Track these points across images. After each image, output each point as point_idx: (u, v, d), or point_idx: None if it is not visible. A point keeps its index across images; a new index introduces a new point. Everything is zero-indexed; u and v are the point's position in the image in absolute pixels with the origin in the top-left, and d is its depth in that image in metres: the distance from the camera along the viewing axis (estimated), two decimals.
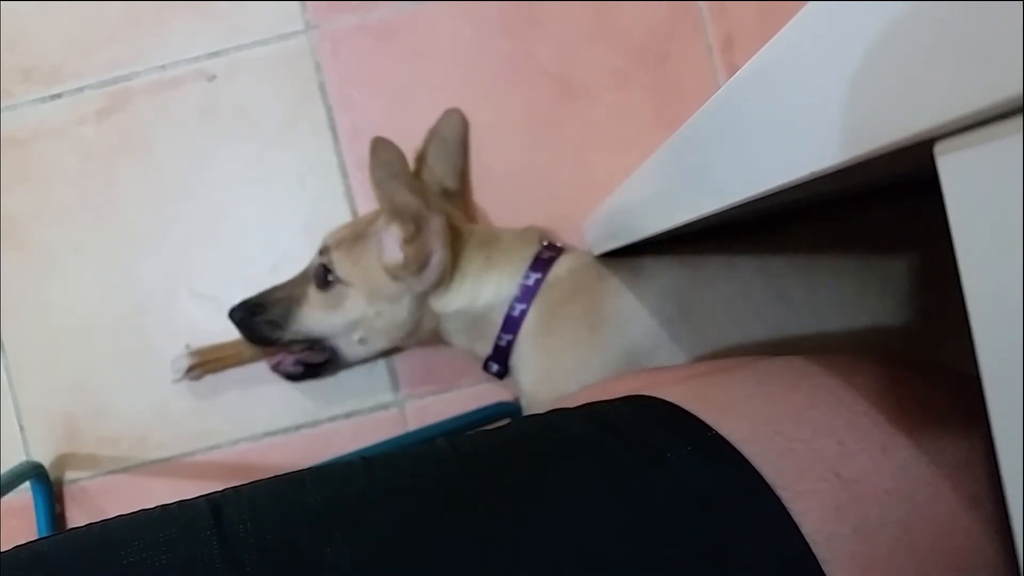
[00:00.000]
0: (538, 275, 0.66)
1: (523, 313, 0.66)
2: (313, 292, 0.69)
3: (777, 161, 0.26)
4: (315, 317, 0.69)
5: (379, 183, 0.64)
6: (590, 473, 0.33)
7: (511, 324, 0.66)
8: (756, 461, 0.32)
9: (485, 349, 0.69)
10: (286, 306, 0.70)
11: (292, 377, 0.74)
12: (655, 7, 0.81)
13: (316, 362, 0.73)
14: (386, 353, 0.79)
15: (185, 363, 0.76)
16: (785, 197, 0.31)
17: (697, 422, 0.34)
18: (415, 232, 0.64)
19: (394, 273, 0.66)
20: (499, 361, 0.69)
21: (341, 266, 0.68)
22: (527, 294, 0.66)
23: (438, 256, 0.64)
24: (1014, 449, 0.19)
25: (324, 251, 0.69)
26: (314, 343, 0.71)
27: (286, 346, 0.72)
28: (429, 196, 0.68)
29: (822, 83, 0.22)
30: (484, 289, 0.67)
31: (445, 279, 0.67)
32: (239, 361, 0.78)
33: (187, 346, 0.77)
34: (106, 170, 0.80)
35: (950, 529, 0.31)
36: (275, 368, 0.74)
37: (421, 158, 0.76)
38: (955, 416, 0.34)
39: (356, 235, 0.69)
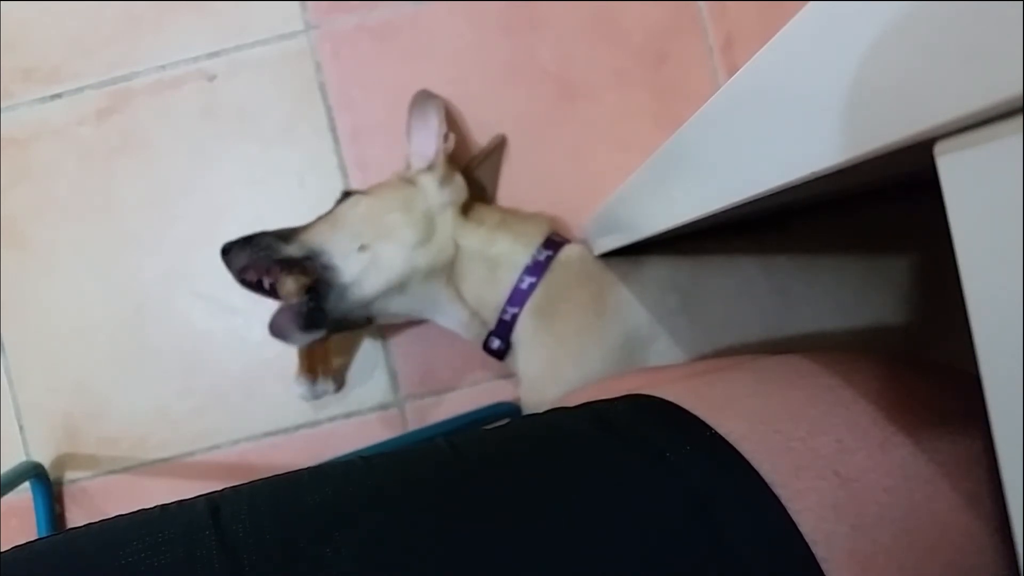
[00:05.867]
0: (550, 252, 0.68)
1: (531, 287, 0.66)
2: (324, 217, 0.71)
3: (777, 161, 0.26)
4: (322, 231, 0.69)
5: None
6: (589, 472, 0.33)
7: (518, 296, 0.67)
8: (754, 459, 0.32)
9: (490, 318, 0.69)
10: (293, 230, 0.71)
11: (308, 321, 0.66)
12: (655, 7, 0.81)
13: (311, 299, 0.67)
14: (387, 328, 0.79)
15: (304, 382, 0.73)
16: (785, 197, 0.31)
17: (696, 421, 0.34)
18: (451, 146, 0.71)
19: (416, 177, 0.71)
20: (501, 336, 0.69)
21: (360, 188, 0.72)
22: (538, 268, 0.67)
23: (459, 186, 0.71)
24: (1014, 448, 0.19)
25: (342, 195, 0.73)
26: (304, 266, 0.68)
27: (277, 270, 0.69)
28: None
29: (822, 83, 0.22)
30: (499, 242, 0.69)
31: (456, 210, 0.70)
32: (320, 352, 0.76)
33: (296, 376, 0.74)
34: (106, 170, 0.80)
35: (949, 527, 0.31)
36: (277, 331, 0.68)
37: (467, 170, 0.76)
38: (954, 414, 0.34)
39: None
